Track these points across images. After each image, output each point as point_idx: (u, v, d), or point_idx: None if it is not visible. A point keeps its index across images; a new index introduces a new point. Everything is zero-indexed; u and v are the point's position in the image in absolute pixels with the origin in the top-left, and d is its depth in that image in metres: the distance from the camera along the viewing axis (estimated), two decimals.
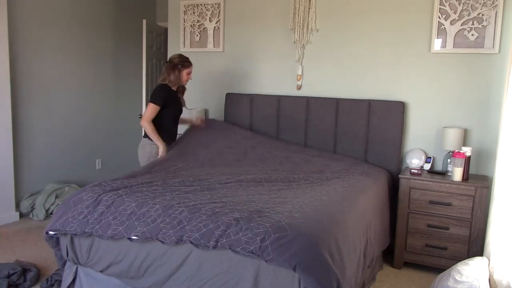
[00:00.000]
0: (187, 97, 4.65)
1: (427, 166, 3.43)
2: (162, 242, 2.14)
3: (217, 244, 2.01)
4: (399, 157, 3.57)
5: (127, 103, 5.40)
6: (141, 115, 4.99)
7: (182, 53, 3.58)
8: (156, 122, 3.37)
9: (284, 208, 2.23)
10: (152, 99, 3.35)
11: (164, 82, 3.43)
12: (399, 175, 3.29)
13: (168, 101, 3.40)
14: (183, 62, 3.45)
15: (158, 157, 3.34)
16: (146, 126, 3.32)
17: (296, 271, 1.84)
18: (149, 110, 3.33)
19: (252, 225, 2.00)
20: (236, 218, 2.06)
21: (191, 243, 2.07)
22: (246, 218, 2.06)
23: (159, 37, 5.28)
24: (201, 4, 4.36)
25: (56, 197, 4.23)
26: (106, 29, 5.06)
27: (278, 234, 1.94)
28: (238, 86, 4.28)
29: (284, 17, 3.99)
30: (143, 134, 3.50)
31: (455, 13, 3.34)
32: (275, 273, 1.95)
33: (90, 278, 2.51)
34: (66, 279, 2.57)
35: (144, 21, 4.81)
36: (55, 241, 2.54)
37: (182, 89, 3.62)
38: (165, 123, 3.44)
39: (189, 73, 3.50)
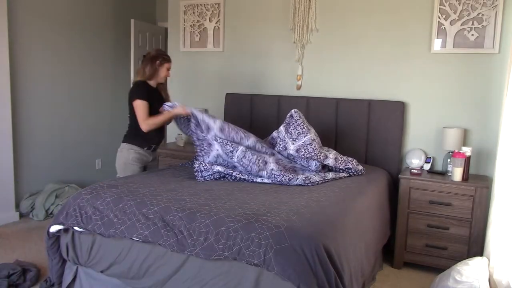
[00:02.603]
0: (186, 96, 4.68)
1: (427, 166, 3.43)
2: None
3: (220, 258, 2.03)
4: (399, 157, 3.58)
5: (127, 103, 5.39)
6: (129, 116, 4.97)
7: (159, 49, 3.34)
8: (134, 126, 3.05)
9: (280, 211, 2.22)
10: (134, 96, 2.99)
11: (140, 79, 3.09)
12: (399, 175, 3.29)
13: (149, 98, 3.03)
14: (163, 55, 3.12)
15: (177, 111, 3.00)
16: (150, 123, 2.97)
17: None
18: (139, 109, 2.97)
19: (253, 235, 1.99)
20: (235, 228, 2.05)
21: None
22: (245, 226, 2.04)
23: (156, 37, 5.28)
24: (201, 4, 4.36)
25: (56, 197, 4.23)
26: (106, 30, 5.06)
27: (280, 245, 1.93)
28: (238, 86, 4.28)
29: (284, 17, 3.99)
30: (122, 138, 3.22)
31: (455, 13, 3.34)
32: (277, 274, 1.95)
33: (90, 278, 2.50)
34: (66, 279, 2.57)
35: (132, 21, 4.80)
36: (55, 248, 2.52)
37: (163, 88, 3.26)
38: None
39: (169, 69, 3.16)
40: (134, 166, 3.13)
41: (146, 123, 2.97)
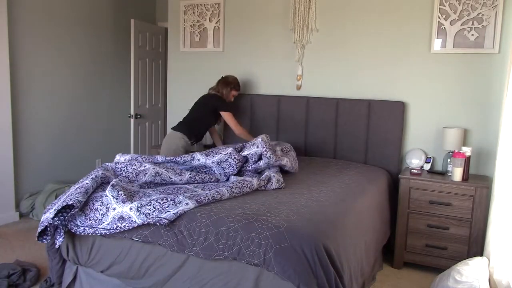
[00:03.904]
0: (186, 96, 4.69)
1: (427, 166, 3.43)
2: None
3: (220, 258, 2.03)
4: (399, 157, 3.58)
5: (127, 103, 5.40)
6: (130, 114, 4.97)
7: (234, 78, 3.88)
8: (192, 121, 3.73)
9: (280, 211, 2.22)
10: (225, 109, 3.70)
11: (219, 94, 3.78)
12: (399, 175, 3.29)
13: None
14: (236, 85, 3.85)
15: None
16: (242, 132, 3.71)
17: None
18: (231, 120, 3.69)
19: (253, 235, 1.99)
20: (235, 228, 2.05)
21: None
22: (245, 226, 2.04)
23: (156, 37, 5.27)
24: (201, 4, 4.36)
25: (56, 197, 4.23)
26: (106, 29, 5.06)
27: (279, 245, 1.94)
28: None
29: (284, 17, 3.99)
30: (172, 126, 3.79)
31: (455, 13, 3.34)
32: (276, 274, 1.95)
33: (90, 278, 2.50)
34: (66, 279, 2.57)
35: (133, 21, 4.80)
36: (56, 248, 2.51)
37: None
38: (204, 126, 3.77)
39: (235, 95, 3.88)
40: (181, 153, 3.59)
41: (239, 131, 3.71)
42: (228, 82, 3.81)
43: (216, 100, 3.75)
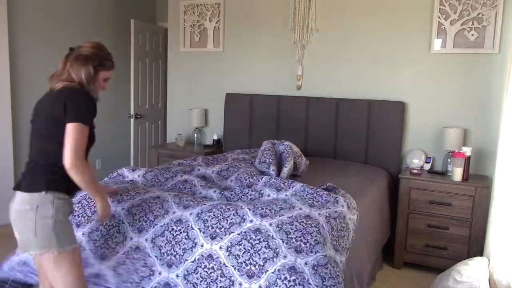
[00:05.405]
0: (186, 96, 4.68)
1: (427, 166, 3.43)
2: None
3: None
4: (399, 157, 3.58)
5: (126, 103, 5.40)
6: (130, 114, 4.95)
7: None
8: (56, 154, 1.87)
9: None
10: (78, 115, 1.83)
11: (82, 88, 1.93)
12: (399, 175, 3.29)
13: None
14: (104, 59, 2.04)
15: (99, 217, 2.03)
16: (82, 169, 1.91)
17: None
18: (79, 135, 1.86)
19: None
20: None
21: None
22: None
23: (156, 37, 5.27)
24: (201, 4, 4.36)
25: None
26: (105, 29, 5.06)
27: None
28: (238, 86, 4.28)
29: (284, 17, 3.99)
30: (13, 184, 2.04)
31: (455, 13, 3.34)
32: None
33: None
34: None
35: (133, 21, 4.80)
36: None
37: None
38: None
39: (106, 80, 2.12)
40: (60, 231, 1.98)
41: (79, 162, 1.95)
42: (86, 56, 1.99)
43: (75, 103, 1.87)
